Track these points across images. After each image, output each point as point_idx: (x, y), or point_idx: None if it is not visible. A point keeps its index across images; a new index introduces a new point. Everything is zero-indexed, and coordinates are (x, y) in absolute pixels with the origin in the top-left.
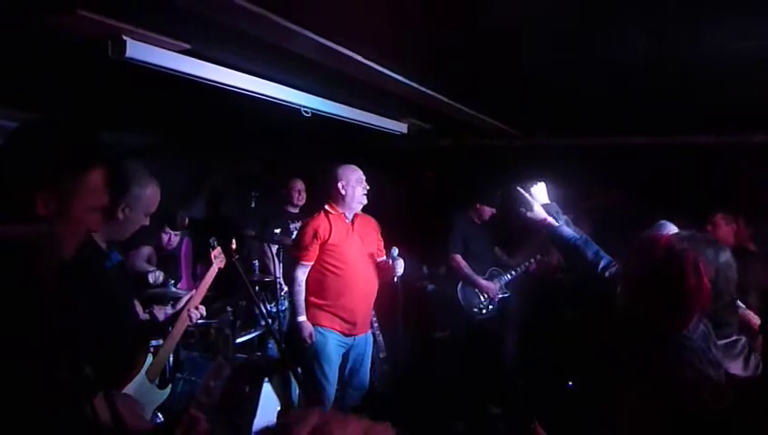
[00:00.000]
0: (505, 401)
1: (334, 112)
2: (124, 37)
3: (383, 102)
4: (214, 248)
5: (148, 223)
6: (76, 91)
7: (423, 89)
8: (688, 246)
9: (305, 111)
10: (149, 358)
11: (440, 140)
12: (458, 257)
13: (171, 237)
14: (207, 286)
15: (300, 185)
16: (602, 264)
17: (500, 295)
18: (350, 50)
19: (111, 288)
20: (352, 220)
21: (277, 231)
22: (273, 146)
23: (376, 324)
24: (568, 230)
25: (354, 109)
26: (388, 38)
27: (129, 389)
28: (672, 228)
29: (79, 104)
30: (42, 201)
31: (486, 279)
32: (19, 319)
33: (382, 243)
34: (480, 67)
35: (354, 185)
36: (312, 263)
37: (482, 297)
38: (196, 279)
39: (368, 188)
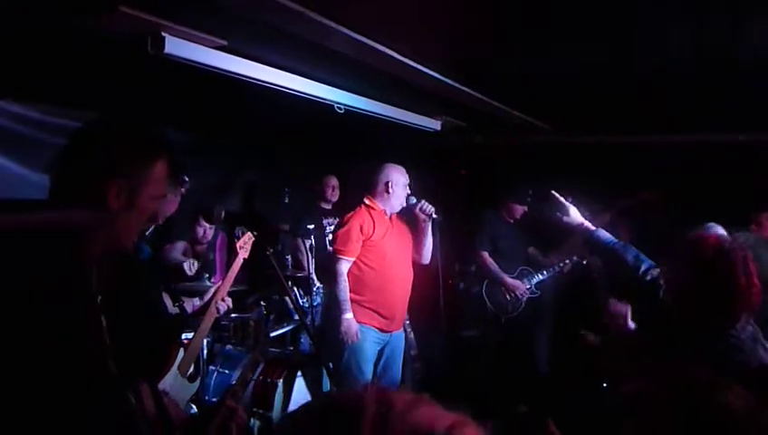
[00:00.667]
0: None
1: (367, 109)
2: (163, 33)
3: (417, 99)
4: (239, 239)
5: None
6: (114, 87)
7: (457, 85)
8: (740, 245)
9: (338, 108)
10: (181, 352)
11: (474, 138)
12: (485, 254)
13: (206, 231)
14: (233, 277)
15: (333, 181)
16: (643, 267)
17: (528, 295)
18: (385, 46)
19: (148, 280)
20: (390, 217)
21: (310, 227)
22: (306, 142)
23: (407, 322)
24: (605, 234)
25: (387, 105)
26: (423, 34)
27: (162, 383)
28: (719, 230)
29: (118, 100)
30: (114, 192)
31: (515, 278)
32: (74, 306)
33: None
34: (514, 63)
35: (401, 186)
36: (354, 258)
37: (508, 296)
38: None
39: (410, 190)
